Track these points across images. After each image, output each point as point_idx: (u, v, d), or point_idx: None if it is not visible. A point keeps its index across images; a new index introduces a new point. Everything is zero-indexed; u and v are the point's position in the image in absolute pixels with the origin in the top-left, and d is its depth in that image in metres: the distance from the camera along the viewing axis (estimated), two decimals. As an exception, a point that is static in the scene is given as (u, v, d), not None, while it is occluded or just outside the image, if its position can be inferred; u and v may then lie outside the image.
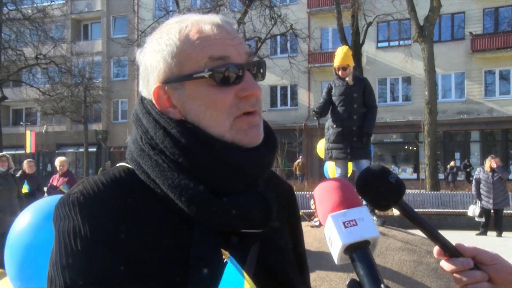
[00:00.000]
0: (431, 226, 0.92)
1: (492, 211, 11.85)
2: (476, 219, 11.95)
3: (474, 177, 12.30)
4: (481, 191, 11.76)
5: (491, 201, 11.59)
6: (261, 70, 0.96)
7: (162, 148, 0.90)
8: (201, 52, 0.90)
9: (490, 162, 11.73)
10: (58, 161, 9.71)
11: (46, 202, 2.44)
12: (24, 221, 2.30)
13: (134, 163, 0.93)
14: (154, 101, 0.94)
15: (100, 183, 0.88)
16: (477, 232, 11.72)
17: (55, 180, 9.53)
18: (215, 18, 0.95)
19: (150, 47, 0.95)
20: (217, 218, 0.86)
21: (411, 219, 0.92)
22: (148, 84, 0.95)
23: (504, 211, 13.06)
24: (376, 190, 0.91)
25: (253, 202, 0.90)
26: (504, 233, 11.73)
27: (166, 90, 0.92)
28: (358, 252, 0.80)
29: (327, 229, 0.83)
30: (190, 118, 0.91)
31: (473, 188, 12.09)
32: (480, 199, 11.78)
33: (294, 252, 1.05)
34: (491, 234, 11.70)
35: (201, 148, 0.88)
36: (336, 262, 0.83)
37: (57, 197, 2.64)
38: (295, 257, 1.05)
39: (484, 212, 11.85)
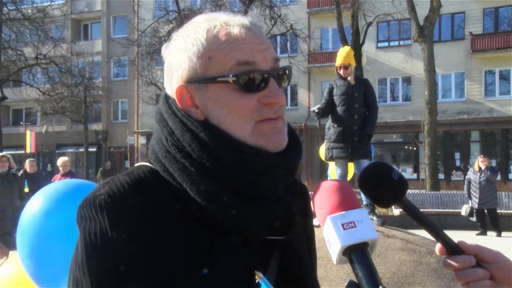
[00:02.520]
0: (433, 224, 0.92)
1: (485, 211, 11.90)
2: (471, 218, 12.04)
3: (466, 177, 12.46)
4: (471, 191, 11.94)
5: (477, 201, 11.73)
6: (287, 76, 0.95)
7: (189, 151, 0.89)
8: (227, 56, 0.89)
9: (478, 162, 11.84)
10: (61, 161, 9.71)
11: (56, 187, 2.41)
12: (35, 206, 2.29)
13: (159, 165, 0.92)
14: (176, 100, 0.93)
15: (126, 185, 0.87)
16: (477, 232, 11.74)
17: (57, 180, 9.54)
18: (244, 20, 0.93)
19: (176, 45, 0.94)
20: (245, 225, 0.86)
21: (413, 216, 0.92)
22: (172, 81, 0.94)
23: (504, 211, 13.09)
24: (378, 187, 0.91)
25: (278, 209, 0.90)
26: (504, 233, 11.73)
27: (189, 89, 0.92)
28: (357, 253, 0.81)
29: (326, 230, 0.84)
30: (212, 119, 0.90)
31: (465, 188, 12.27)
32: (471, 199, 11.94)
33: (307, 252, 1.06)
34: (491, 234, 11.70)
35: (229, 153, 0.87)
36: (334, 263, 0.83)
37: (66, 181, 2.65)
38: (308, 256, 1.06)
39: (476, 212, 11.94)
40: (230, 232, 0.87)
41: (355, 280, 0.80)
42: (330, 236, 0.83)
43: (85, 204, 0.86)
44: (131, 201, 0.85)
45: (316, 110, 6.00)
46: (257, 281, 0.77)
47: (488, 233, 11.76)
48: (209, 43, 0.89)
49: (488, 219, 12.01)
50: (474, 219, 12.02)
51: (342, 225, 0.81)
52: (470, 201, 12.02)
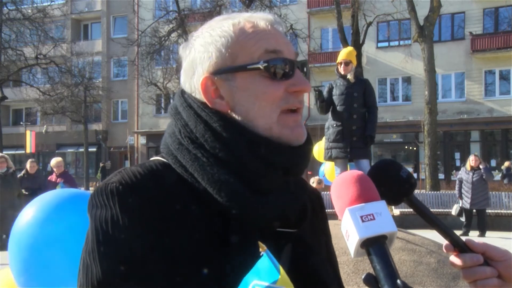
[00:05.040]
0: (441, 222, 0.92)
1: (474, 211, 11.74)
2: (461, 218, 11.92)
3: (458, 176, 12.28)
4: (463, 191, 11.72)
5: (469, 200, 11.53)
6: (305, 70, 0.98)
7: (202, 142, 0.90)
8: (256, 44, 0.91)
9: (470, 162, 11.66)
10: (55, 161, 9.58)
11: (52, 196, 2.38)
12: (29, 215, 2.24)
13: (171, 157, 0.93)
14: (201, 92, 0.93)
15: (138, 174, 0.88)
16: (461, 232, 11.38)
17: (53, 180, 9.50)
18: (268, 15, 0.96)
19: (201, 40, 0.95)
20: (255, 215, 0.86)
21: (421, 214, 0.93)
22: (194, 76, 0.94)
23: (503, 211, 13.05)
24: (387, 184, 0.91)
25: (290, 201, 0.91)
26: (504, 233, 11.71)
27: (214, 81, 0.92)
28: (375, 246, 0.80)
29: (344, 222, 0.83)
30: (238, 109, 0.91)
31: (456, 187, 12.08)
32: (461, 198, 11.75)
33: (327, 253, 1.07)
34: (474, 233, 11.47)
35: (244, 143, 0.88)
36: (352, 255, 0.83)
37: (61, 191, 2.62)
38: (328, 257, 1.07)
39: (464, 211, 11.76)
40: (242, 222, 0.87)
41: (373, 273, 0.79)
42: (348, 228, 0.82)
43: (97, 192, 0.87)
44: (142, 190, 0.86)
45: (317, 91, 5.89)
46: (261, 253, 0.76)
47: (472, 233, 11.55)
48: (236, 34, 0.92)
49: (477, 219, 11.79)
50: (463, 219, 11.83)
51: (361, 217, 0.81)
52: (460, 201, 11.81)
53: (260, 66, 0.89)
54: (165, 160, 0.94)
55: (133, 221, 0.82)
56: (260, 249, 0.77)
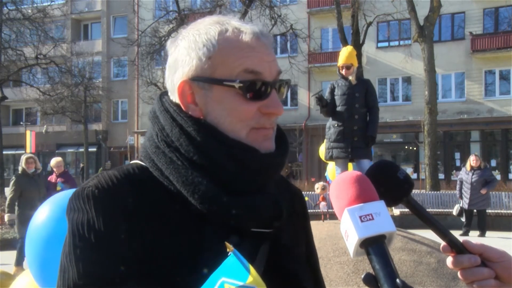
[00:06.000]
0: (439, 223, 0.93)
1: (474, 211, 11.76)
2: (462, 219, 11.92)
3: (458, 177, 12.31)
4: (463, 191, 11.74)
5: (467, 201, 11.55)
6: (285, 90, 0.99)
7: (177, 146, 0.92)
8: (236, 61, 0.91)
9: (470, 162, 11.65)
10: (54, 161, 9.58)
11: (65, 195, 2.50)
12: (44, 213, 2.37)
13: (148, 160, 0.94)
14: (177, 94, 0.95)
15: (115, 178, 0.90)
16: (460, 232, 11.43)
17: (53, 180, 9.50)
18: (255, 29, 0.95)
19: (186, 42, 0.95)
20: (228, 215, 0.88)
21: (419, 215, 0.93)
22: (175, 75, 0.96)
23: (503, 211, 13.05)
24: (384, 185, 0.91)
25: (264, 202, 0.92)
26: (504, 233, 11.72)
27: (192, 86, 0.93)
28: (374, 246, 0.81)
29: (343, 222, 0.84)
30: (210, 119, 0.92)
31: (457, 188, 12.10)
32: (462, 198, 11.77)
33: (306, 252, 1.08)
34: (474, 233, 11.50)
35: (217, 147, 0.90)
36: (351, 255, 0.83)
37: (74, 191, 2.71)
38: (307, 257, 1.08)
39: (465, 212, 11.76)
40: (216, 223, 0.88)
41: (372, 273, 0.80)
42: (347, 228, 0.83)
43: (74, 196, 0.89)
44: (118, 193, 0.87)
45: (318, 96, 5.85)
46: (229, 253, 0.76)
47: (472, 233, 11.57)
48: (220, 46, 0.91)
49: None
50: (463, 219, 11.84)
51: (360, 217, 0.81)
52: (461, 201, 11.82)
53: (235, 85, 0.90)
54: (143, 163, 0.96)
55: (108, 224, 0.84)
56: (228, 249, 0.77)
